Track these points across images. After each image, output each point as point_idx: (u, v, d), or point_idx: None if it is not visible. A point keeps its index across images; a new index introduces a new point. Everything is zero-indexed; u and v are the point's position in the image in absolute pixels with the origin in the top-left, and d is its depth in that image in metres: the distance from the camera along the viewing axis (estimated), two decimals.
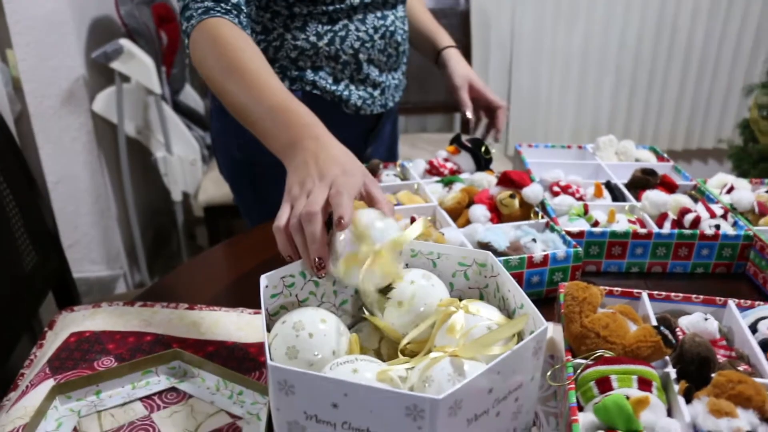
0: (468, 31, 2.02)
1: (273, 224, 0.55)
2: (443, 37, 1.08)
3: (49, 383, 0.60)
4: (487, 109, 1.05)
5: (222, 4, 0.73)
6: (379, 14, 0.93)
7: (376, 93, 0.98)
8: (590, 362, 0.53)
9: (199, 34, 0.72)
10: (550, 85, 2.29)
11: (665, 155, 1.09)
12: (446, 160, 0.97)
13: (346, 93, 0.95)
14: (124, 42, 1.64)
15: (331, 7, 0.88)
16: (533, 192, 0.83)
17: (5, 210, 0.98)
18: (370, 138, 1.05)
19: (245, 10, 0.76)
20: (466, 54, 2.01)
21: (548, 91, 2.30)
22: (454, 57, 1.05)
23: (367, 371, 0.45)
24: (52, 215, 1.14)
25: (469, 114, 1.01)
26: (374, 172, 0.95)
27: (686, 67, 2.31)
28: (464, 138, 0.99)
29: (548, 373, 0.55)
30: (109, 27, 1.84)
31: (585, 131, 2.37)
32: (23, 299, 0.98)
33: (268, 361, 0.43)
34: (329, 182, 0.55)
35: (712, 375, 0.53)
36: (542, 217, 0.84)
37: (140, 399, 0.61)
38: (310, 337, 0.48)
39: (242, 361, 0.64)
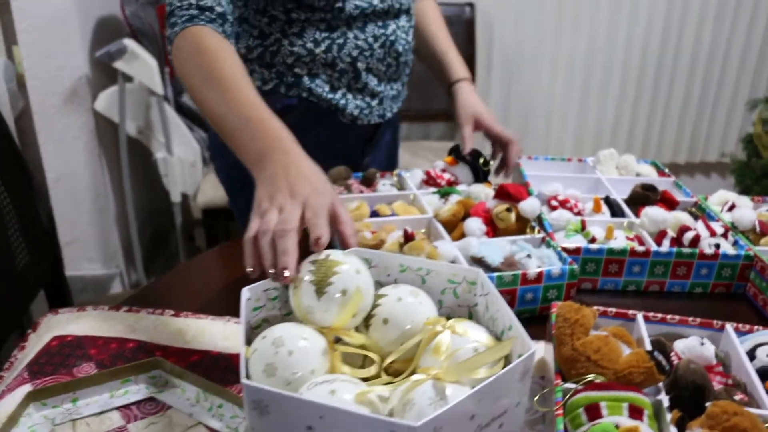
0: (473, 40, 2.01)
1: (244, 237, 0.55)
2: (456, 68, 1.04)
3: (26, 388, 0.59)
4: (499, 143, 1.01)
5: (207, 13, 0.74)
6: (380, 23, 0.92)
7: (374, 103, 0.97)
8: (580, 387, 0.51)
9: (183, 41, 0.73)
10: (554, 96, 2.27)
11: (666, 170, 1.07)
12: (444, 170, 0.95)
13: (342, 102, 0.94)
14: (128, 42, 1.64)
15: (329, 15, 0.87)
16: (530, 206, 0.82)
17: None
18: (368, 147, 1.04)
19: (230, 20, 0.77)
20: (471, 63, 2.00)
21: (551, 102, 2.28)
22: (463, 90, 1.02)
23: (346, 392, 0.43)
24: (48, 214, 1.14)
25: (467, 151, 0.97)
26: (370, 181, 0.94)
27: (690, 80, 2.29)
28: (464, 150, 0.98)
29: (536, 398, 0.54)
30: (114, 27, 1.84)
31: (588, 142, 2.35)
32: (13, 297, 0.98)
33: (243, 380, 0.42)
34: (301, 201, 0.55)
35: (707, 404, 0.51)
36: (539, 232, 0.83)
37: (118, 408, 0.59)
38: (290, 354, 0.46)
39: (225, 373, 0.63)
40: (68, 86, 1.71)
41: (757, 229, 0.87)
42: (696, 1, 2.15)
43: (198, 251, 2.16)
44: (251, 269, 0.54)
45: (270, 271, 0.52)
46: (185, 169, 1.80)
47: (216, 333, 0.70)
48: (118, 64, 1.65)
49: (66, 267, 1.87)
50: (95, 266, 1.92)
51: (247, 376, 0.47)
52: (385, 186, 0.93)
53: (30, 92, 1.71)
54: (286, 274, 0.51)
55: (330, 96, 0.93)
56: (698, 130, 2.39)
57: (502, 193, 0.85)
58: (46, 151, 1.76)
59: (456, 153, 0.97)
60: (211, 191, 1.82)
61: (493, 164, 1.00)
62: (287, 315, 0.55)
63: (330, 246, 0.54)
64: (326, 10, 0.87)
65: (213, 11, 0.74)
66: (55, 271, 1.15)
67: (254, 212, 0.57)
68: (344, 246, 0.56)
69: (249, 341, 0.51)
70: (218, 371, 0.63)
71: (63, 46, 1.67)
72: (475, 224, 0.80)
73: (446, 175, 0.94)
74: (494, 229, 0.82)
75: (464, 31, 1.97)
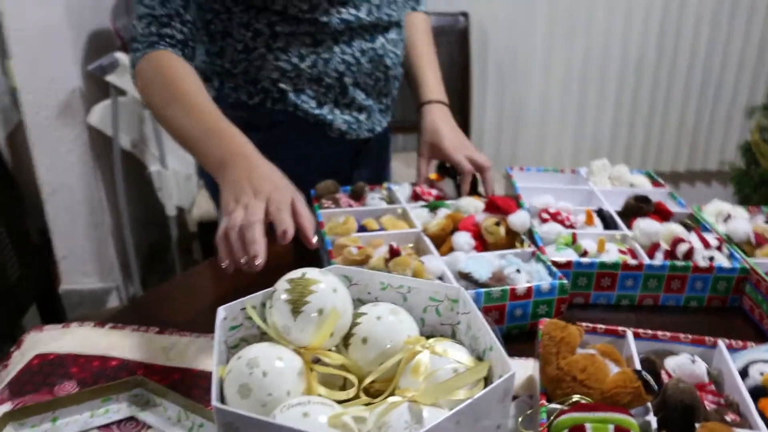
0: (467, 49, 2.01)
1: (216, 237, 0.60)
2: (427, 89, 0.99)
3: (4, 408, 0.58)
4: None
5: (167, 39, 0.79)
6: (367, 37, 0.91)
7: (362, 117, 0.96)
8: (565, 408, 0.50)
9: (145, 65, 0.79)
10: (550, 105, 2.27)
11: (660, 180, 1.06)
12: (431, 186, 0.95)
13: (330, 117, 0.93)
14: (120, 55, 1.64)
15: (313, 29, 0.87)
16: (519, 220, 0.81)
17: None
18: (357, 161, 1.03)
19: (191, 45, 0.82)
20: (465, 72, 2.00)
21: (548, 111, 2.28)
22: (429, 114, 0.97)
23: (320, 415, 0.42)
24: (41, 228, 1.14)
25: (420, 182, 0.95)
26: (359, 194, 0.93)
27: (688, 86, 2.28)
28: (449, 164, 0.97)
29: (520, 419, 0.52)
30: (106, 39, 1.84)
31: (585, 151, 2.34)
32: (4, 311, 0.97)
33: (214, 402, 0.41)
34: (265, 197, 0.61)
35: (697, 425, 0.50)
36: (529, 246, 0.81)
37: (98, 428, 0.59)
38: (264, 376, 0.45)
39: (207, 391, 0.62)
40: (61, 99, 1.72)
41: (753, 240, 0.86)
42: (692, 8, 2.15)
43: (195, 264, 2.15)
44: (225, 264, 0.59)
45: (242, 261, 0.57)
46: (180, 182, 1.80)
47: (200, 351, 0.69)
48: (111, 78, 1.65)
49: (62, 281, 1.87)
50: (92, 280, 1.91)
51: (222, 397, 0.47)
52: (374, 199, 0.92)
53: (23, 106, 1.72)
54: (257, 261, 0.56)
55: (317, 111, 0.92)
56: (697, 137, 2.37)
57: (491, 207, 0.84)
58: (40, 164, 1.77)
59: (442, 168, 0.96)
60: (207, 204, 1.81)
61: (478, 177, 0.98)
62: (265, 334, 0.54)
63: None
64: (311, 22, 0.87)
65: (173, 38, 0.80)
66: (49, 286, 1.15)
67: (223, 214, 0.61)
68: (303, 239, 0.60)
69: (228, 361, 0.50)
70: (200, 389, 0.62)
71: (55, 59, 1.67)
72: (463, 239, 0.79)
73: (434, 192, 0.93)
74: (483, 243, 0.81)
75: (458, 41, 1.97)
